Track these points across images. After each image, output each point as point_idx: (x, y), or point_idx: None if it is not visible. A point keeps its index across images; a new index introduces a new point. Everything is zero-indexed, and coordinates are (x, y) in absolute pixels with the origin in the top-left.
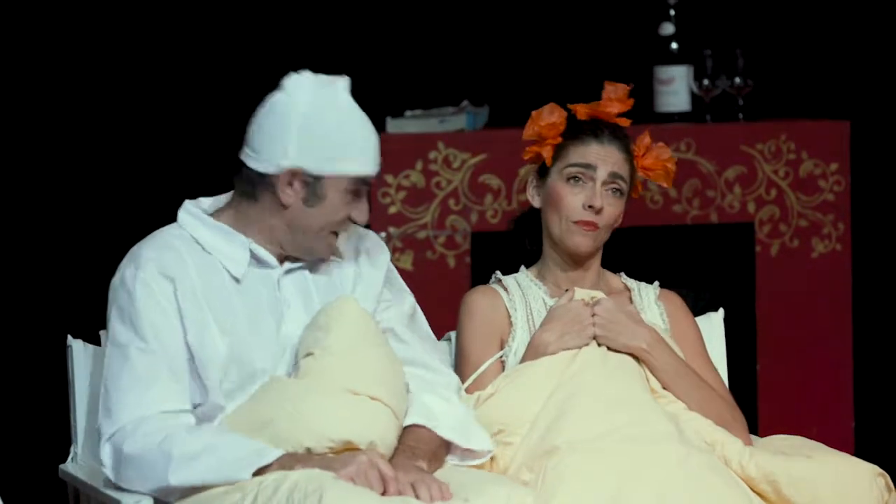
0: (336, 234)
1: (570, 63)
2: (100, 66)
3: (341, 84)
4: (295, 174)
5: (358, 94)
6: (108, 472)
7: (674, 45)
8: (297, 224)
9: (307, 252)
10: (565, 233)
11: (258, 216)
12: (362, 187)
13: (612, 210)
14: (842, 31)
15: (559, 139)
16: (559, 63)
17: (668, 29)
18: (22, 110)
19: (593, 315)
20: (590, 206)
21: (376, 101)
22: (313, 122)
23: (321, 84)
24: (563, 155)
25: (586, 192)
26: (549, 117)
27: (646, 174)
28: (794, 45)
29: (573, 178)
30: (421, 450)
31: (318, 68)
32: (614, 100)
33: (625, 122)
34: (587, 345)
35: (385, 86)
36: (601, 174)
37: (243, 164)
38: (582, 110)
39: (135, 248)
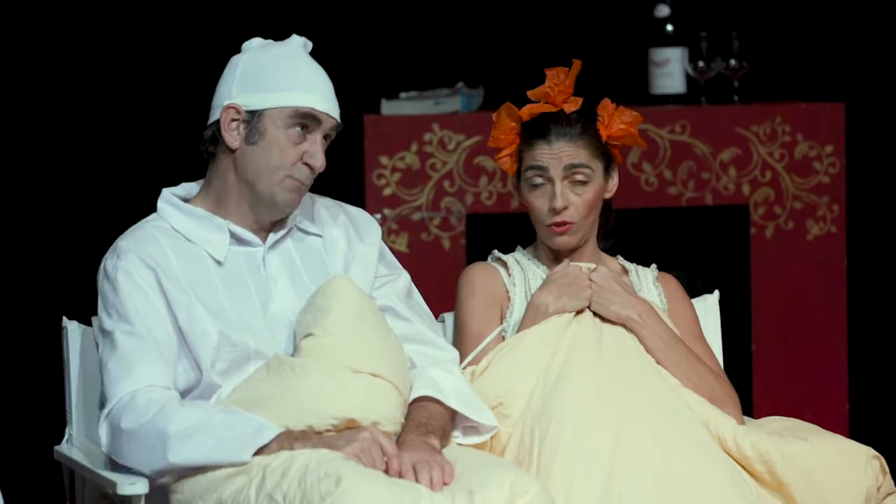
0: (296, 180)
1: (566, 45)
2: (99, 50)
3: (297, 38)
4: (237, 111)
5: (353, 75)
6: (106, 449)
7: (669, 27)
8: (249, 171)
9: (271, 203)
10: (544, 236)
11: (221, 180)
12: (310, 123)
13: (579, 201)
14: (836, 13)
15: (516, 144)
16: (554, 44)
17: (663, 11)
18: (18, 96)
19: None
20: (551, 209)
21: (371, 83)
22: (253, 63)
23: (275, 42)
24: (522, 159)
25: (547, 193)
26: (504, 123)
27: (616, 142)
28: (789, 27)
29: (533, 182)
30: (433, 426)
31: (311, 51)
32: (556, 86)
33: (573, 106)
34: (586, 306)
35: (380, 67)
36: (555, 172)
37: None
38: (525, 112)
39: (116, 241)
